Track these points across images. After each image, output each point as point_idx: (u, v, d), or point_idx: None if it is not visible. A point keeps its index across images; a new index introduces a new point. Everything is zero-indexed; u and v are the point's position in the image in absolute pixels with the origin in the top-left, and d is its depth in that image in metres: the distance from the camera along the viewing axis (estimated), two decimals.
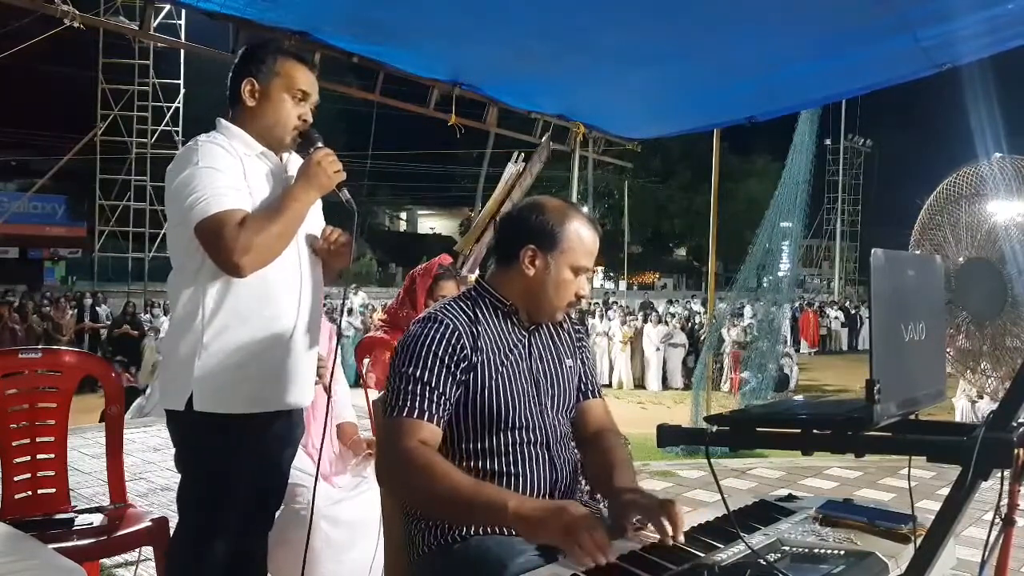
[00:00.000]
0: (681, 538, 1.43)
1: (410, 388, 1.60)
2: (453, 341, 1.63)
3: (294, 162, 2.11)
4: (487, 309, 1.73)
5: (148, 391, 8.88)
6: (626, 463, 1.73)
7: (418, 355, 1.61)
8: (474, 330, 1.67)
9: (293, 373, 2.04)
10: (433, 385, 1.60)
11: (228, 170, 1.91)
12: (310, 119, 2.07)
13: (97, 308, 15.91)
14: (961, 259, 2.19)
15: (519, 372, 1.71)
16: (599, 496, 2.35)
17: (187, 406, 1.93)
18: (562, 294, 1.72)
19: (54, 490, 2.68)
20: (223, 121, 2.03)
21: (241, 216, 1.87)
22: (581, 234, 1.71)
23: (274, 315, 1.99)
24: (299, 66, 2.05)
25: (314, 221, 2.12)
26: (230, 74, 2.05)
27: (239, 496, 2.01)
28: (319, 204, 2.13)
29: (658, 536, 1.44)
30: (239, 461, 1.99)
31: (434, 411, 1.59)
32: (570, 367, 1.82)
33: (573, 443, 1.86)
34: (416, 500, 1.64)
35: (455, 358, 1.62)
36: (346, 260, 2.14)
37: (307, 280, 2.06)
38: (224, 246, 1.84)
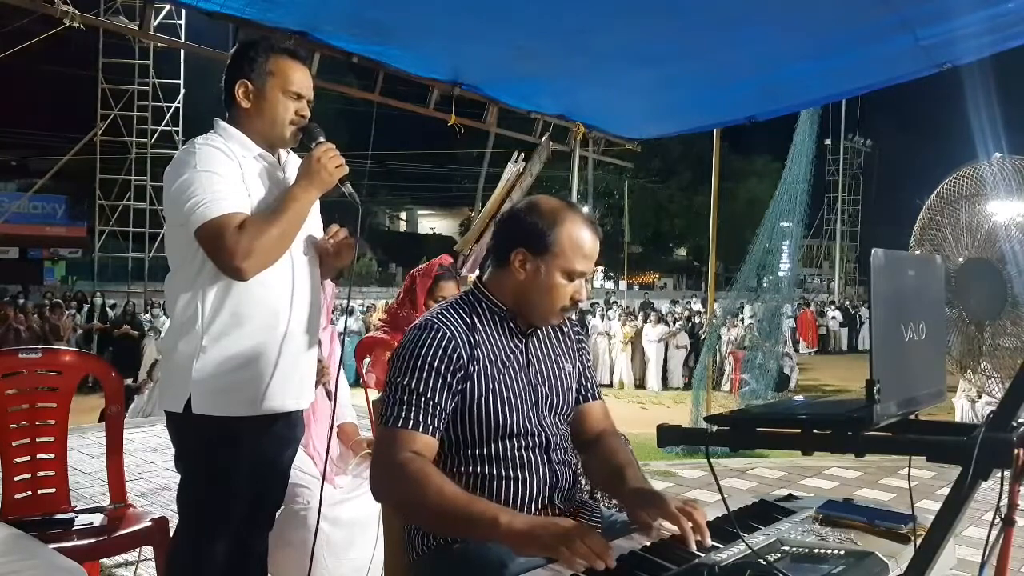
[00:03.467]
0: (708, 541, 1.44)
1: (404, 398, 1.57)
2: (449, 351, 1.60)
3: (292, 162, 2.10)
4: (484, 314, 1.70)
5: (147, 391, 8.86)
6: (634, 464, 1.72)
7: (413, 365, 1.59)
8: (471, 338, 1.64)
9: (291, 375, 2.04)
10: (428, 396, 1.57)
11: (226, 173, 1.90)
12: (308, 114, 2.05)
13: (108, 309, 15.89)
14: (961, 259, 2.18)
15: (517, 378, 1.68)
16: (600, 497, 2.35)
17: (185, 408, 1.93)
18: (554, 299, 1.66)
19: (54, 490, 2.68)
20: (220, 123, 2.03)
21: (241, 219, 1.86)
22: (575, 238, 1.64)
23: (271, 318, 1.99)
24: (292, 63, 2.03)
25: (312, 221, 2.11)
26: (223, 76, 2.03)
27: (238, 497, 2.01)
28: (317, 205, 2.12)
29: (677, 530, 1.45)
30: (238, 462, 1.99)
31: (429, 421, 1.57)
32: (569, 371, 1.80)
33: (572, 446, 1.85)
34: (408, 512, 1.64)
35: (451, 368, 1.60)
36: (348, 259, 2.13)
37: (302, 281, 2.05)
38: (226, 250, 1.84)
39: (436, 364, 1.59)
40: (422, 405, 1.57)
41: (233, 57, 2.04)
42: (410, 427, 1.56)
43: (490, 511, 1.46)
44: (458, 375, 1.61)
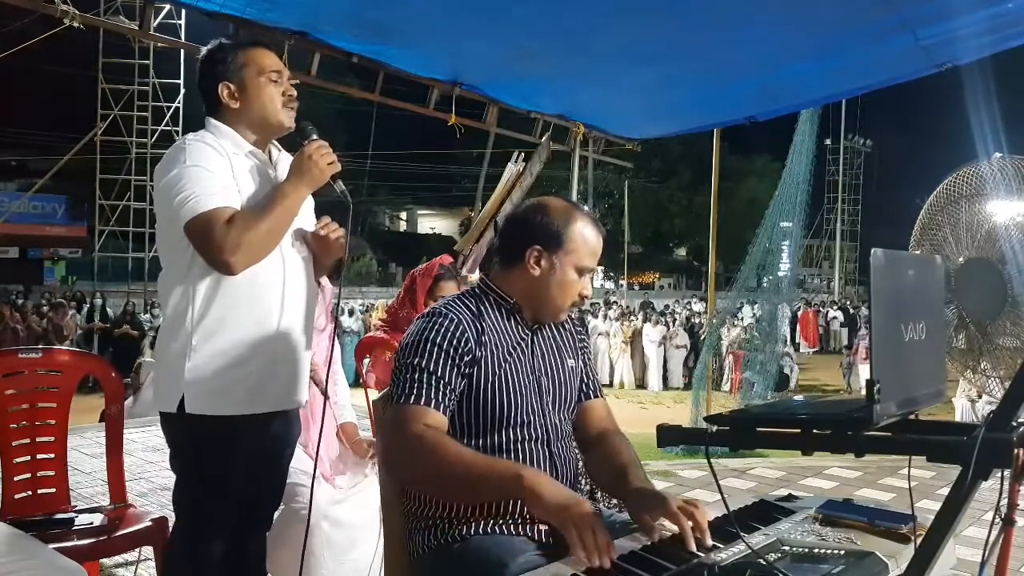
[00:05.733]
0: (708, 541, 1.44)
1: (415, 377, 1.60)
2: (457, 334, 1.63)
3: (284, 160, 2.10)
4: (491, 307, 1.73)
5: (135, 392, 8.82)
6: (637, 463, 1.73)
7: (422, 347, 1.62)
8: (478, 325, 1.68)
9: (285, 374, 2.03)
10: (439, 375, 1.60)
11: (216, 168, 1.90)
12: (294, 93, 2.05)
13: (108, 309, 15.89)
14: (961, 259, 2.18)
15: (521, 370, 1.71)
16: (600, 496, 2.35)
17: (179, 408, 1.91)
18: (566, 294, 1.72)
19: (54, 490, 2.68)
20: (212, 120, 2.02)
21: (230, 214, 1.86)
22: (586, 235, 1.72)
23: (263, 316, 1.98)
24: (260, 50, 2.04)
25: (305, 218, 2.10)
26: (200, 87, 2.03)
27: (234, 497, 2.00)
28: (311, 202, 2.12)
29: (678, 530, 1.46)
30: (233, 462, 1.98)
31: (440, 399, 1.60)
32: (572, 367, 1.82)
33: (574, 443, 1.86)
34: (426, 480, 1.62)
35: (459, 351, 1.63)
36: (338, 254, 2.12)
37: (294, 279, 2.04)
38: (213, 244, 1.83)
39: (445, 346, 1.62)
40: (432, 383, 1.60)
41: (204, 67, 2.03)
42: (422, 403, 1.58)
43: (512, 467, 1.53)
44: (466, 358, 1.64)
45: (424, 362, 1.60)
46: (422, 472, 1.59)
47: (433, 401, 1.59)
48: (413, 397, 1.58)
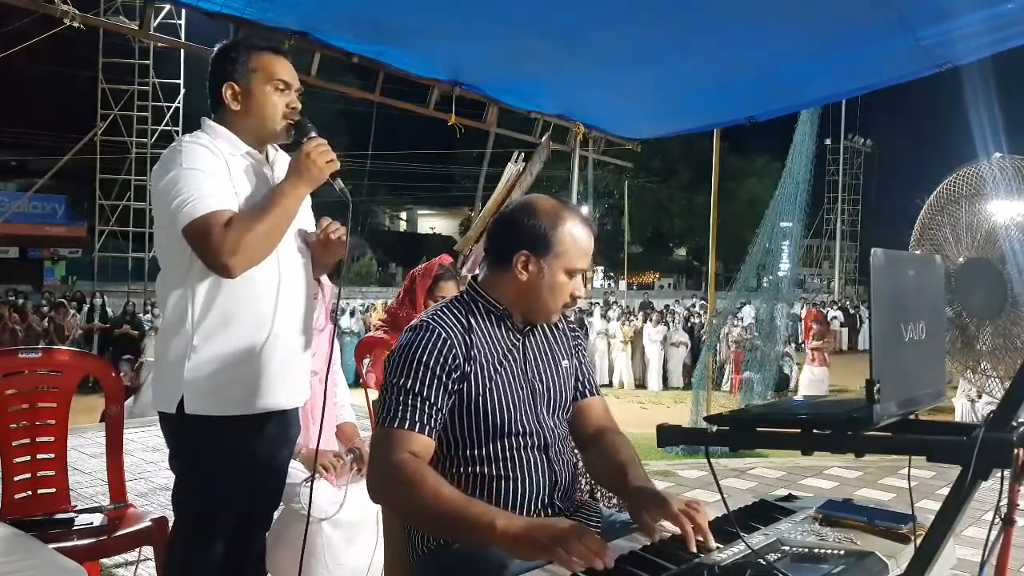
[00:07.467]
0: (712, 543, 1.43)
1: (401, 399, 1.58)
2: (444, 351, 1.60)
3: (280, 160, 2.09)
4: (480, 314, 1.70)
5: (135, 392, 8.82)
6: (636, 461, 1.71)
7: (409, 366, 1.59)
8: (467, 339, 1.64)
9: (284, 374, 2.03)
10: (424, 395, 1.58)
11: (213, 171, 1.89)
12: (298, 106, 2.03)
13: (108, 309, 15.89)
14: (961, 259, 2.18)
15: (514, 378, 1.69)
16: (600, 495, 2.35)
17: (178, 408, 1.92)
18: (557, 297, 1.69)
19: (54, 490, 2.68)
20: (208, 121, 2.01)
21: (228, 216, 1.85)
22: (575, 236, 1.67)
23: (262, 316, 1.97)
24: (274, 56, 2.02)
25: (304, 218, 2.09)
26: (208, 81, 2.02)
27: (233, 497, 2.00)
28: (308, 202, 2.11)
29: (679, 530, 1.45)
30: (232, 462, 1.97)
31: (425, 422, 1.57)
32: (566, 368, 1.80)
33: (572, 444, 1.85)
34: (404, 514, 1.64)
35: (446, 368, 1.60)
36: (339, 255, 2.12)
37: (290, 279, 2.03)
38: (212, 247, 1.83)
39: (432, 365, 1.59)
40: (418, 405, 1.57)
41: (214, 62, 2.02)
42: (407, 427, 1.56)
43: (487, 515, 1.45)
44: (454, 375, 1.61)
45: (410, 383, 1.58)
46: (399, 506, 1.59)
47: (418, 424, 1.57)
48: (398, 420, 1.56)
